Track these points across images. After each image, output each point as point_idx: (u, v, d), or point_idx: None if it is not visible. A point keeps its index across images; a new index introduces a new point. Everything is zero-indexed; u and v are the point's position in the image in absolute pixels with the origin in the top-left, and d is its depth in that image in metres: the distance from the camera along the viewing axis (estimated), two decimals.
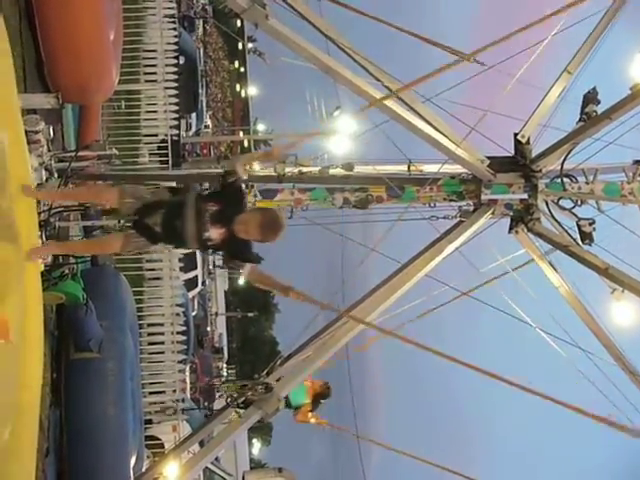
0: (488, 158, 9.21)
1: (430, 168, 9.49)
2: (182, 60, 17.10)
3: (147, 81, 14.29)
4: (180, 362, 13.54)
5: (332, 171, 9.43)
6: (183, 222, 6.01)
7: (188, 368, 19.98)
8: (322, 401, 8.91)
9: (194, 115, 28.62)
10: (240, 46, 47.29)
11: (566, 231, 9.11)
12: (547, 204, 9.19)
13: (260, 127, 42.28)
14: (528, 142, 9.23)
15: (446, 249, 9.11)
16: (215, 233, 6.02)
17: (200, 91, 27.88)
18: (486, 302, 9.19)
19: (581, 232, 8.88)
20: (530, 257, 9.54)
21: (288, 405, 9.01)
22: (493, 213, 9.35)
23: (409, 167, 9.41)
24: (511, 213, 9.38)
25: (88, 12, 9.73)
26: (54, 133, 9.09)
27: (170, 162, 13.65)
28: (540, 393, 7.14)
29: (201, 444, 10.19)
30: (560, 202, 9.16)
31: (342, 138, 9.62)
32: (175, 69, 14.49)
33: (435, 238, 9.29)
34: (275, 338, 67.71)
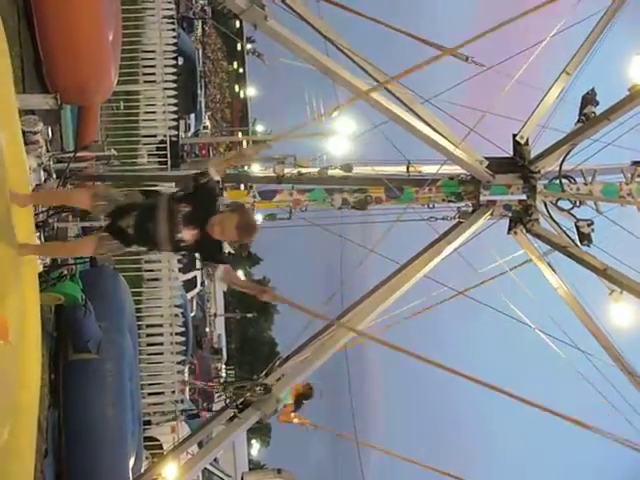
0: (487, 159, 9.21)
1: (429, 169, 9.49)
2: (181, 61, 17.09)
3: (146, 82, 14.30)
4: (179, 363, 13.53)
5: (331, 172, 9.43)
6: (155, 224, 5.99)
7: (187, 369, 19.97)
8: (305, 402, 8.91)
9: (193, 116, 28.60)
10: (239, 47, 47.36)
11: (565, 232, 9.11)
12: (546, 205, 9.20)
13: (259, 128, 42.33)
14: (527, 143, 9.24)
15: (445, 250, 9.11)
16: (188, 234, 6.00)
17: (199, 92, 27.90)
18: (485, 303, 9.19)
19: (580, 233, 8.88)
20: (527, 257, 9.54)
21: None
22: (492, 214, 9.35)
23: (408, 168, 9.42)
24: (510, 214, 9.39)
25: (87, 12, 9.73)
26: (53, 134, 9.10)
27: (169, 163, 13.66)
28: (539, 405, 7.06)
29: (200, 445, 10.18)
30: (559, 203, 9.17)
31: (341, 139, 9.64)
32: (174, 70, 14.49)
33: (434, 239, 9.29)
34: (274, 339, 67.68)
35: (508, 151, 9.34)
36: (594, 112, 8.94)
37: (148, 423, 12.49)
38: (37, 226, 8.07)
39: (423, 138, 8.86)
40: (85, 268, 9.69)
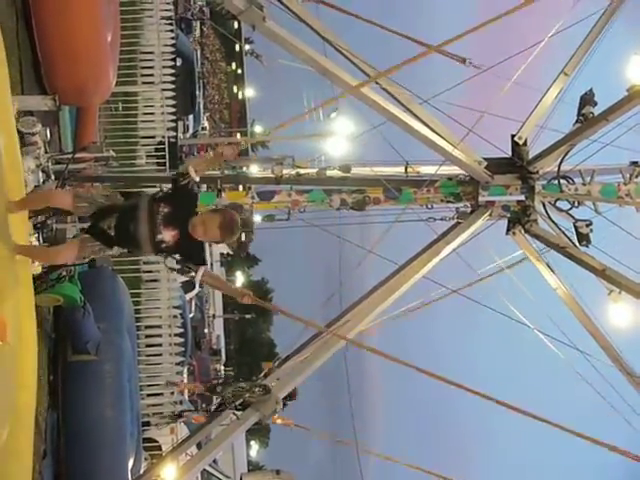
0: (485, 159, 9.22)
1: (427, 170, 9.50)
2: (179, 62, 17.07)
3: (144, 83, 14.28)
4: (178, 364, 13.51)
5: (329, 173, 9.43)
6: (136, 225, 5.98)
7: (186, 370, 19.95)
8: (288, 403, 8.93)
9: (191, 117, 28.58)
10: (237, 48, 47.29)
11: (563, 232, 9.12)
12: (544, 205, 9.20)
13: (257, 129, 42.27)
14: (525, 143, 9.25)
15: (443, 251, 9.11)
16: (168, 235, 5.99)
17: (197, 93, 27.83)
18: (484, 304, 9.20)
19: (578, 233, 8.89)
20: (524, 255, 9.55)
21: None
22: (490, 215, 9.36)
23: (406, 169, 9.42)
24: (508, 215, 9.39)
25: (85, 14, 9.71)
26: (51, 135, 9.09)
27: (167, 164, 13.65)
28: (544, 419, 6.99)
29: (199, 446, 10.17)
30: (557, 203, 9.18)
31: (339, 140, 9.64)
32: (172, 71, 14.47)
33: (432, 240, 9.29)
34: (273, 340, 67.64)
35: (506, 152, 9.35)
36: (592, 112, 8.96)
37: (147, 424, 12.47)
38: (35, 227, 8.07)
39: (421, 139, 8.86)
40: (84, 269, 9.67)
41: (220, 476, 17.13)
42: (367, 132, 9.30)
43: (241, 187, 10.04)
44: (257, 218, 9.88)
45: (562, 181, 9.11)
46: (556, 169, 9.09)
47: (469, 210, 9.41)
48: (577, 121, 9.04)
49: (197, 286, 24.24)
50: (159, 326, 13.29)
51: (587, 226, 8.86)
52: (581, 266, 8.87)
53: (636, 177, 9.40)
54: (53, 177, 8.69)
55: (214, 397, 8.86)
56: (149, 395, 12.86)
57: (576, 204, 9.10)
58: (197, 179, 6.06)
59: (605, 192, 9.30)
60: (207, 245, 6.58)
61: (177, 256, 6.20)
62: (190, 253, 6.15)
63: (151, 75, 14.32)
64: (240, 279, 54.61)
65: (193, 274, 6.14)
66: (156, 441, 12.68)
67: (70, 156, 9.17)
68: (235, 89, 53.86)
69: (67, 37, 9.63)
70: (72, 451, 8.54)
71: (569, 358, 8.92)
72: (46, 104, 8.81)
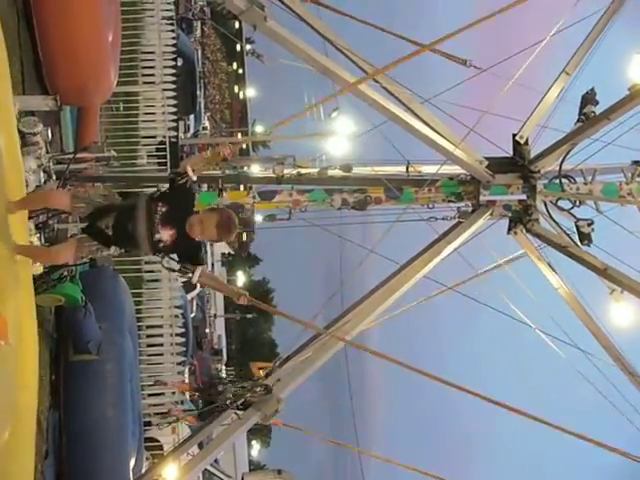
0: (486, 159, 9.21)
1: (428, 169, 9.49)
2: (180, 62, 17.07)
3: (145, 83, 14.28)
4: (179, 364, 13.52)
5: (330, 172, 9.43)
6: (134, 224, 5.98)
7: (187, 370, 19.96)
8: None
9: (192, 117, 28.57)
10: (238, 48, 47.25)
11: (565, 232, 9.11)
12: (546, 205, 9.20)
13: (258, 128, 42.26)
14: (527, 143, 9.24)
15: (445, 250, 9.11)
16: (166, 235, 5.99)
17: (198, 93, 27.85)
18: (486, 304, 9.20)
19: (580, 233, 8.88)
20: (523, 252, 9.55)
21: None
22: (492, 214, 9.35)
23: (407, 168, 9.42)
24: (510, 214, 9.39)
25: (86, 14, 9.72)
26: (52, 135, 9.09)
27: (168, 164, 13.65)
28: (545, 421, 6.99)
29: (200, 446, 10.17)
30: (559, 203, 9.17)
31: (340, 139, 9.63)
32: (173, 71, 14.48)
33: (434, 239, 9.29)
34: (274, 340, 67.65)
35: (508, 151, 9.34)
36: (594, 112, 8.95)
37: (149, 424, 12.48)
38: (37, 227, 8.07)
39: (422, 138, 8.86)
40: (85, 269, 9.67)
41: (222, 476, 17.14)
42: (368, 132, 9.30)
43: (242, 187, 10.04)
44: (258, 218, 9.88)
45: (564, 180, 9.10)
46: (557, 168, 9.08)
47: (470, 210, 9.40)
48: (578, 120, 9.03)
49: (197, 286, 24.34)
50: (160, 326, 13.31)
51: (589, 225, 8.85)
52: (583, 265, 8.87)
53: (638, 176, 9.39)
54: (54, 177, 8.69)
55: (207, 398, 8.84)
56: (150, 395, 12.87)
57: (578, 203, 9.09)
58: (194, 178, 6.06)
59: (607, 191, 9.29)
60: (207, 245, 6.60)
61: (175, 256, 6.20)
62: (188, 253, 6.15)
63: (152, 75, 14.32)
64: (241, 279, 54.63)
65: (191, 275, 6.14)
66: (158, 441, 12.69)
67: (71, 156, 9.17)
68: (236, 89, 53.84)
69: (68, 37, 9.64)
70: (74, 451, 8.55)
71: (571, 357, 8.92)
72: (47, 104, 8.81)
